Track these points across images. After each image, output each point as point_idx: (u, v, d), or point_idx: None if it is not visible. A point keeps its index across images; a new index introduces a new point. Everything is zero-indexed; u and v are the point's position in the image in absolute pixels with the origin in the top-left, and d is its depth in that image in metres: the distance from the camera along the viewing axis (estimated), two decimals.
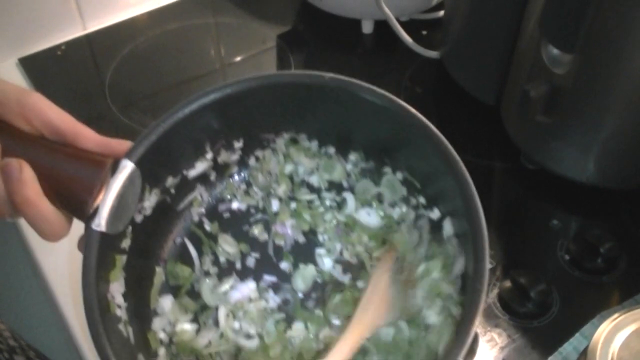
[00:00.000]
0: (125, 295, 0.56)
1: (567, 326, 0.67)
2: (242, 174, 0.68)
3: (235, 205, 0.68)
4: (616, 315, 0.59)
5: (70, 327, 0.71)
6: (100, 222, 0.51)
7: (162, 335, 0.60)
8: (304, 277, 0.65)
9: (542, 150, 0.79)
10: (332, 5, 1.00)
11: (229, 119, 0.62)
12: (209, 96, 0.59)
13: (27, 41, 1.00)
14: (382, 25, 0.99)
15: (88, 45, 1.04)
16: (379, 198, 0.67)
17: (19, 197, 0.48)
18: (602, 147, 0.75)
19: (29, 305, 1.10)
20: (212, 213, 0.67)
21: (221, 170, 0.66)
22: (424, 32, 1.02)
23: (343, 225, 0.67)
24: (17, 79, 0.97)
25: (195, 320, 0.62)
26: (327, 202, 0.68)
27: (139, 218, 0.58)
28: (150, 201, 0.59)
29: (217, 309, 0.63)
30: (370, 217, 0.67)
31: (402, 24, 0.97)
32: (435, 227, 0.62)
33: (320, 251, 0.66)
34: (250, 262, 0.66)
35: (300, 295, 0.65)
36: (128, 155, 0.53)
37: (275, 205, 0.68)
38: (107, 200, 0.51)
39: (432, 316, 0.57)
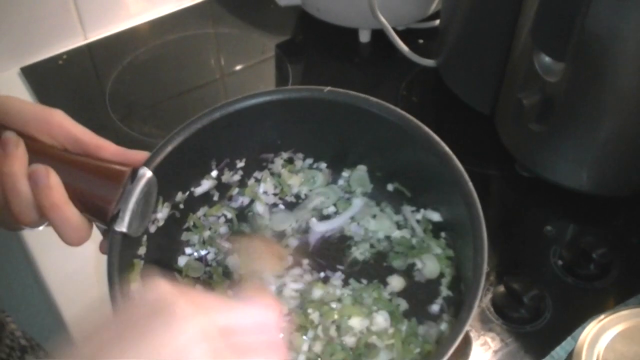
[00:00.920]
0: None
1: (560, 331, 0.68)
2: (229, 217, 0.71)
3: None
4: (602, 316, 0.59)
5: (70, 327, 0.71)
6: (123, 224, 0.55)
7: None
8: None
9: (536, 158, 0.80)
10: (330, 15, 1.01)
11: (234, 136, 0.66)
12: (221, 111, 0.63)
13: (29, 51, 1.01)
14: (379, 35, 1.00)
15: (89, 54, 1.04)
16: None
17: (47, 201, 0.51)
18: (595, 155, 0.75)
19: (29, 306, 1.10)
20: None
21: (223, 190, 0.70)
22: (421, 41, 1.03)
23: None
24: (19, 88, 0.98)
25: None
26: None
27: (152, 228, 0.62)
28: (163, 213, 0.63)
29: None
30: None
31: (399, 33, 0.98)
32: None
33: None
34: None
35: None
36: (146, 163, 0.57)
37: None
38: (128, 204, 0.55)
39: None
